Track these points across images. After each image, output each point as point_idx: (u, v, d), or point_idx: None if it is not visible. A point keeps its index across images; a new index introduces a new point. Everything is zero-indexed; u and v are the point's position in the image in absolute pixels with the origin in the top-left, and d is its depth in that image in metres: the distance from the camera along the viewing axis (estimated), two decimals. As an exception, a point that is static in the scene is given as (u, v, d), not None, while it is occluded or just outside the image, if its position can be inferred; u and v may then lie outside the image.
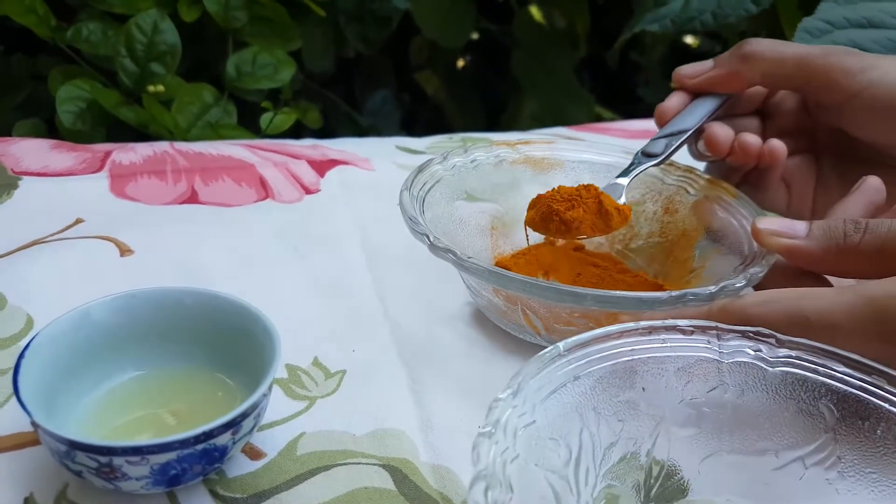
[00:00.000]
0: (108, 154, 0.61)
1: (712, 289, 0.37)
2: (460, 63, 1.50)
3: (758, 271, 0.39)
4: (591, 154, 0.53)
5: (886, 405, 0.31)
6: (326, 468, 0.34)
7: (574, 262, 0.49)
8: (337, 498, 0.33)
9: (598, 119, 1.33)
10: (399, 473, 0.35)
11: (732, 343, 0.33)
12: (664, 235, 0.49)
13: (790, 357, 0.33)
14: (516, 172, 0.51)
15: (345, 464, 0.35)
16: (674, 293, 0.36)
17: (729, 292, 0.37)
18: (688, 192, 0.49)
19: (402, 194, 0.43)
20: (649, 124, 0.79)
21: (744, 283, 0.37)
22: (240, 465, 0.34)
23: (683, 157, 0.53)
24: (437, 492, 0.34)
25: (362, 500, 0.33)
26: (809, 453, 0.32)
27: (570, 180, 0.52)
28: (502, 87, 1.43)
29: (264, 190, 0.58)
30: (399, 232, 0.42)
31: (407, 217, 0.42)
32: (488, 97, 1.45)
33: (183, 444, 0.29)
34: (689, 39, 1.59)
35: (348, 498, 0.33)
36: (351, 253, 0.52)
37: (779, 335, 0.33)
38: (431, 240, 0.40)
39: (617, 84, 1.54)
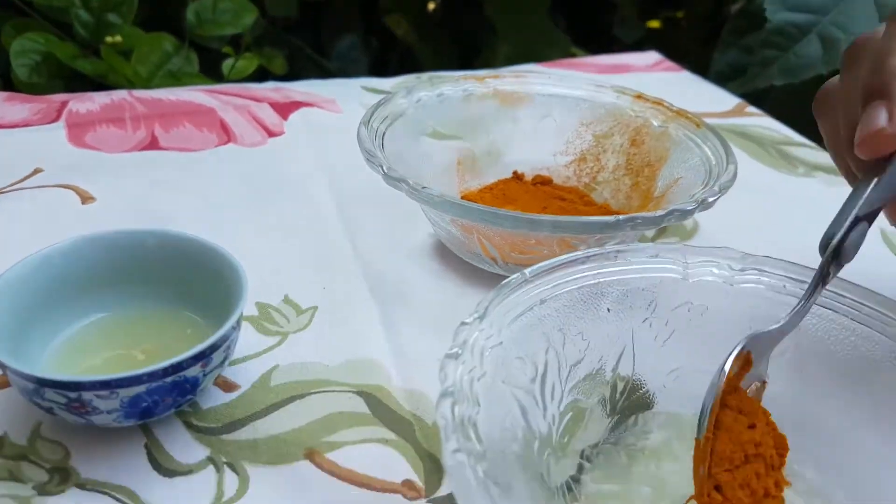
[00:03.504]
0: (64, 104, 0.59)
1: (660, 213, 0.37)
2: (431, 6, 1.47)
3: (709, 196, 0.39)
4: (561, 88, 0.52)
5: (847, 318, 0.32)
6: (301, 396, 0.35)
7: (540, 196, 0.50)
8: (312, 423, 0.34)
9: (573, 61, 1.32)
10: (373, 399, 0.35)
11: (697, 264, 0.34)
12: (630, 167, 0.49)
13: (752, 275, 0.34)
14: (484, 107, 0.51)
15: (319, 392, 0.35)
16: (622, 217, 0.37)
17: (677, 215, 0.37)
18: (654, 123, 0.49)
19: (359, 128, 0.43)
20: (621, 59, 0.79)
21: (694, 206, 0.38)
22: (213, 398, 0.34)
23: (658, 92, 0.53)
24: (410, 413, 0.35)
25: (338, 425, 0.34)
26: (774, 359, 0.33)
27: (538, 114, 0.52)
28: (475, 29, 1.40)
29: (226, 134, 0.57)
30: (366, 172, 0.42)
31: (363, 149, 0.41)
32: (461, 40, 1.42)
33: (152, 376, 0.29)
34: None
35: (323, 422, 0.34)
36: (318, 195, 0.51)
37: (743, 253, 0.34)
38: (385, 170, 0.39)
39: (592, 24, 1.52)
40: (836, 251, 0.30)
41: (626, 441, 0.32)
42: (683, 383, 0.33)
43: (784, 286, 0.33)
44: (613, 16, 1.48)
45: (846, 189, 0.56)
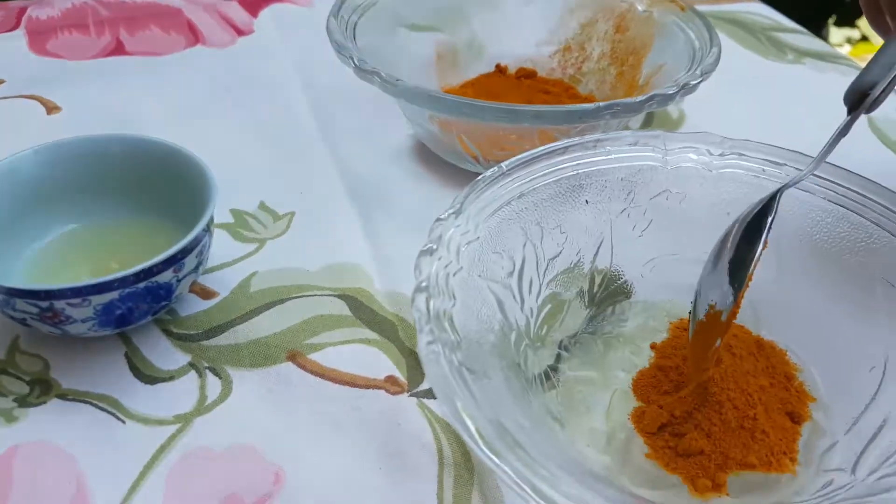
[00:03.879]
0: (22, 10, 0.56)
1: (641, 98, 0.36)
2: None
3: (691, 80, 0.38)
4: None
5: (824, 200, 0.31)
6: (281, 301, 0.35)
7: (524, 90, 0.48)
8: (293, 326, 0.34)
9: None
10: (355, 301, 0.35)
11: (676, 150, 0.33)
12: (615, 55, 0.48)
13: (731, 160, 0.33)
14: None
15: (300, 296, 0.35)
16: (601, 104, 0.36)
17: (659, 100, 0.36)
18: (638, 8, 0.47)
19: (328, 20, 0.41)
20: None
21: (675, 90, 0.37)
22: (192, 305, 0.34)
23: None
24: (392, 314, 0.35)
25: (319, 327, 0.34)
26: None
27: (520, 1, 0.49)
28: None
29: (194, 35, 0.55)
30: (341, 71, 0.40)
31: (333, 41, 0.40)
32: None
33: (123, 282, 0.29)
34: None
35: (305, 325, 0.34)
36: (292, 96, 0.50)
37: (722, 137, 0.33)
38: (356, 62, 0.38)
39: None
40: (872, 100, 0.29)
41: (602, 330, 0.32)
42: (661, 272, 0.33)
43: (763, 170, 0.32)
44: None
45: (836, 76, 0.55)
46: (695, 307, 0.29)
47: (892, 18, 0.32)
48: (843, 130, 0.29)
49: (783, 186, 0.29)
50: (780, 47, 0.59)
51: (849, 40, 1.69)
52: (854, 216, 0.31)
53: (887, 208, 0.30)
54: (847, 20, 1.04)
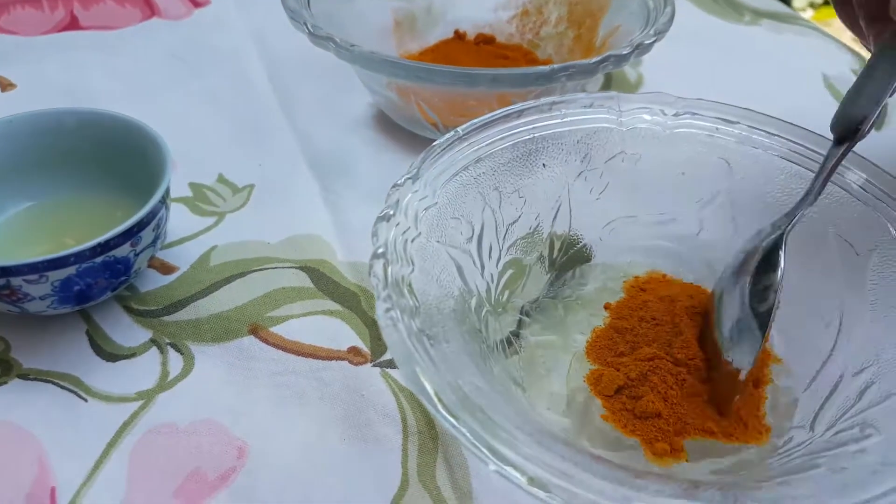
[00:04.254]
0: (-30, -15, 0.55)
1: (596, 59, 0.36)
2: None
3: (645, 39, 0.38)
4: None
5: (778, 157, 0.32)
6: (242, 275, 0.35)
7: (483, 55, 0.48)
8: (255, 299, 0.34)
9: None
10: (316, 273, 0.35)
11: (630, 111, 0.33)
12: (572, 18, 0.48)
13: (686, 119, 0.33)
14: (418, -40, 0.48)
15: (261, 269, 0.35)
16: (556, 66, 0.36)
17: (614, 61, 0.36)
18: (595, -31, 0.47)
19: None
20: None
21: (629, 50, 0.37)
22: (152, 280, 0.34)
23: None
24: (355, 285, 0.35)
25: (281, 300, 0.34)
26: (706, 206, 0.33)
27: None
28: None
29: (149, 8, 0.53)
30: (299, 41, 0.40)
31: (286, 7, 0.39)
32: None
33: (79, 257, 0.28)
34: None
35: (266, 298, 0.34)
36: (249, 67, 0.49)
37: (676, 97, 0.33)
38: (310, 28, 0.37)
39: None
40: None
41: (563, 294, 0.33)
42: (619, 235, 0.33)
43: (717, 128, 0.33)
44: None
45: (793, 36, 0.56)
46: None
47: (867, 22, 0.32)
48: (837, 162, 0.28)
49: (785, 231, 0.28)
50: (737, 8, 0.59)
51: (811, 4, 1.71)
52: (807, 172, 0.31)
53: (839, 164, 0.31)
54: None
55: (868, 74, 0.29)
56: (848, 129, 0.29)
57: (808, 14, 1.73)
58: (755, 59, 0.53)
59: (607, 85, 0.49)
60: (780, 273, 0.28)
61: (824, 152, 0.31)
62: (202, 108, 0.45)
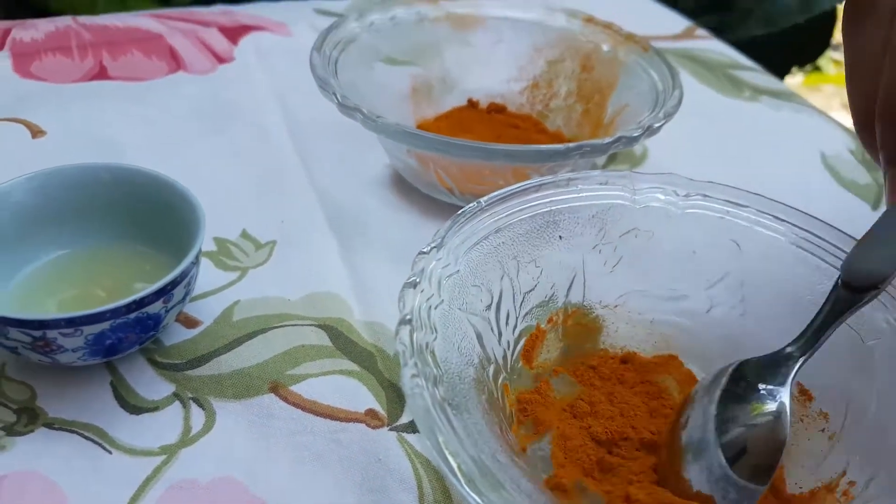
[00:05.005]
0: (6, 32, 0.57)
1: (608, 140, 0.38)
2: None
3: (654, 122, 0.40)
4: (513, 11, 0.52)
5: (784, 239, 0.33)
6: (263, 331, 0.36)
7: (495, 124, 0.50)
8: (276, 356, 0.35)
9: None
10: (334, 331, 0.36)
11: (644, 190, 0.35)
12: (581, 93, 0.50)
13: (697, 200, 0.35)
14: (437, 31, 0.51)
15: (281, 326, 0.36)
16: (571, 145, 0.38)
17: (624, 142, 0.38)
18: (603, 48, 0.49)
19: (312, 55, 0.42)
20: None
21: (639, 133, 0.39)
22: (176, 334, 0.35)
23: (608, 13, 0.53)
24: (371, 345, 0.36)
25: (301, 358, 0.35)
26: (716, 285, 0.35)
27: (491, 39, 0.51)
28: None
29: (175, 62, 0.55)
30: (321, 100, 0.42)
31: (316, 77, 0.41)
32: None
33: (115, 313, 0.29)
34: None
35: (286, 356, 0.35)
36: (271, 123, 0.51)
37: (688, 179, 0.35)
38: (339, 99, 0.39)
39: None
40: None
41: (575, 363, 0.34)
42: (631, 307, 0.35)
43: (728, 211, 0.34)
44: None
45: (790, 113, 0.58)
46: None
47: (887, 162, 0.30)
48: (848, 314, 0.27)
49: (789, 383, 0.28)
50: (737, 84, 0.62)
51: (801, 70, 1.77)
52: (813, 259, 0.33)
53: (843, 251, 0.32)
54: (805, 59, 1.09)
55: (887, 225, 0.28)
56: (864, 285, 0.27)
57: (799, 78, 1.78)
58: (756, 135, 0.56)
59: (614, 157, 0.51)
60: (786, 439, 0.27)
61: (831, 240, 0.32)
62: (225, 163, 0.47)
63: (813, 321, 0.29)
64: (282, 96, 0.53)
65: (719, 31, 0.72)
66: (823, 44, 0.90)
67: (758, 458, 0.27)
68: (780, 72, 0.82)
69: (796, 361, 0.28)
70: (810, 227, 0.33)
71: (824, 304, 0.29)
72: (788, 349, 0.29)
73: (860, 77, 0.30)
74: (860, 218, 0.48)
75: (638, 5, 0.74)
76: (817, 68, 1.81)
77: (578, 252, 0.34)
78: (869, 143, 0.31)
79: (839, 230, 0.33)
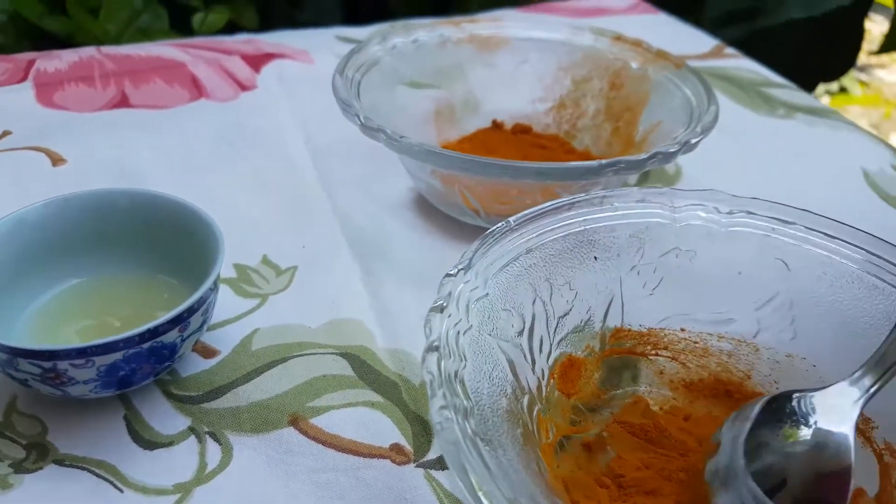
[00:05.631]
0: (31, 63, 0.57)
1: (643, 156, 0.36)
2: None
3: (692, 137, 0.38)
4: (538, 31, 0.51)
5: (837, 257, 0.31)
6: (283, 360, 0.34)
7: (521, 144, 0.48)
8: (296, 387, 0.33)
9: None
10: (357, 360, 0.34)
11: (684, 208, 0.33)
12: (609, 111, 0.48)
13: (741, 217, 0.33)
14: (461, 53, 0.49)
15: (302, 355, 0.35)
16: (604, 161, 0.36)
17: (661, 158, 0.37)
18: (632, 65, 0.48)
19: (334, 77, 0.42)
20: (597, 2, 0.77)
21: (676, 148, 0.37)
22: (193, 364, 0.34)
23: (648, 33, 0.52)
24: (395, 374, 0.34)
25: (322, 389, 0.33)
26: (764, 307, 0.32)
27: (515, 59, 0.50)
28: (450, -25, 1.37)
29: (197, 89, 0.55)
30: (343, 125, 0.41)
31: (338, 99, 0.40)
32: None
33: (128, 342, 0.28)
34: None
35: (307, 386, 0.33)
36: (294, 149, 0.50)
37: (730, 195, 0.33)
38: (362, 120, 0.38)
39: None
40: None
41: (614, 393, 0.32)
42: (674, 332, 0.33)
43: (773, 229, 0.32)
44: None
45: (826, 130, 0.56)
46: None
47: None
48: None
49: (862, 404, 0.26)
50: (770, 102, 0.60)
51: (827, 91, 1.74)
52: (868, 277, 0.30)
53: None
54: (830, 76, 1.07)
55: None
56: None
57: (825, 101, 1.76)
58: (793, 152, 0.54)
59: (646, 176, 0.50)
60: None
61: (887, 257, 0.30)
62: (247, 189, 0.46)
63: (880, 349, 0.26)
64: (304, 122, 0.53)
65: (753, 17, 0.70)
66: (858, 40, 0.85)
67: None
68: (815, 76, 0.78)
69: (860, 399, 0.26)
70: (864, 244, 0.31)
71: (892, 332, 0.26)
72: (852, 384, 0.26)
73: None
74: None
75: (664, 26, 0.73)
76: (843, 89, 1.78)
77: (615, 273, 0.32)
78: None
79: (892, 244, 0.30)
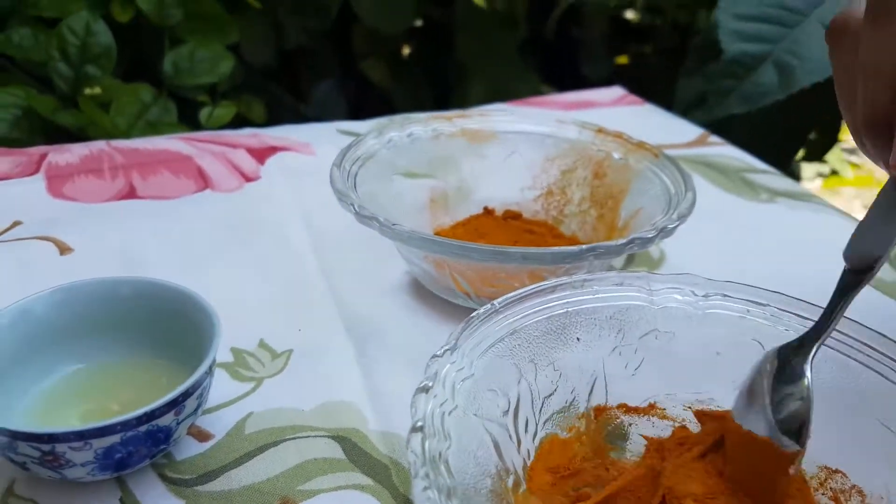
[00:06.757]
0: (43, 156, 0.60)
1: (622, 241, 0.38)
2: (405, 50, 1.50)
3: (668, 223, 0.40)
4: (526, 124, 0.54)
5: (848, 357, 0.32)
6: (275, 443, 0.35)
7: (511, 230, 0.50)
8: (287, 471, 0.33)
9: (543, 98, 1.35)
10: (348, 443, 0.35)
11: (661, 291, 0.34)
12: (594, 198, 0.51)
13: (716, 300, 0.34)
14: (453, 146, 0.52)
15: (294, 438, 0.35)
16: (584, 247, 0.38)
17: (639, 243, 0.38)
18: (614, 156, 0.50)
19: (332, 170, 0.44)
20: (585, 95, 0.81)
21: (654, 234, 0.39)
22: (188, 448, 0.34)
23: (622, 126, 0.55)
24: (387, 457, 0.35)
25: (313, 472, 0.34)
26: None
27: (505, 151, 0.53)
28: (448, 71, 1.43)
29: (203, 180, 0.58)
30: (342, 214, 0.43)
31: (335, 189, 0.42)
32: (435, 82, 1.45)
33: (125, 425, 0.29)
34: (630, 14, 1.62)
35: (298, 470, 0.34)
36: (294, 237, 0.52)
37: (705, 279, 0.34)
38: (357, 209, 0.40)
39: (561, 63, 1.55)
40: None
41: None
42: (656, 412, 0.33)
43: (748, 311, 0.34)
44: (581, 53, 1.51)
45: (808, 214, 0.58)
46: None
47: (873, 149, 0.32)
48: (853, 294, 0.30)
49: (814, 351, 0.30)
50: (752, 187, 0.62)
51: (819, 174, 1.78)
52: (840, 356, 0.32)
53: (872, 348, 0.31)
54: (815, 155, 1.10)
55: (881, 206, 0.30)
56: (860, 266, 0.30)
57: (818, 183, 1.80)
58: (775, 236, 0.55)
59: (631, 260, 0.51)
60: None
61: (856, 336, 0.31)
62: (248, 276, 0.47)
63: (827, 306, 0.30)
64: (305, 211, 0.55)
65: (699, 106, 0.74)
66: (808, 124, 0.89)
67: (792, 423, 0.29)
68: (783, 159, 0.81)
69: (814, 342, 0.30)
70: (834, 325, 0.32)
71: (835, 289, 0.30)
72: (809, 333, 0.30)
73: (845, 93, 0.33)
74: (892, 318, 0.47)
75: (650, 116, 0.76)
76: (835, 172, 1.83)
77: (598, 354, 0.34)
78: (852, 128, 0.33)
79: (864, 326, 0.32)
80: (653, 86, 0.89)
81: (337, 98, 1.32)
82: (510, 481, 0.29)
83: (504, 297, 0.33)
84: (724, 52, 0.73)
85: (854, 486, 0.30)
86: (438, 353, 0.30)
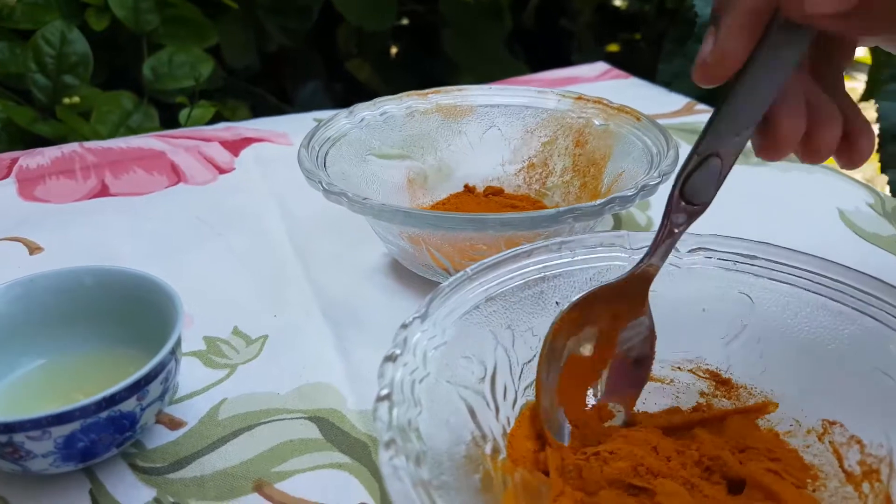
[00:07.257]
0: (14, 161, 0.59)
1: (601, 201, 0.37)
2: (393, 49, 1.49)
3: (650, 181, 0.38)
4: (502, 97, 0.52)
5: (803, 290, 0.31)
6: (249, 428, 0.34)
7: (493, 206, 0.49)
8: (261, 454, 0.32)
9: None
10: (326, 423, 0.34)
11: (641, 249, 0.33)
12: (576, 167, 0.49)
13: (699, 255, 0.33)
14: (429, 123, 0.51)
15: (269, 421, 0.34)
16: (562, 209, 0.36)
17: (619, 202, 0.37)
18: (595, 122, 0.49)
19: (299, 151, 0.43)
20: (570, 72, 0.80)
21: (634, 192, 0.37)
22: (159, 436, 0.33)
23: (621, 97, 0.53)
24: (365, 435, 0.33)
25: (288, 453, 0.32)
26: (732, 342, 0.32)
27: (483, 125, 0.51)
28: (436, 66, 1.42)
29: (176, 175, 0.56)
30: (317, 199, 0.41)
31: (303, 169, 0.41)
32: (424, 80, 1.44)
33: (84, 412, 0.28)
34: (618, 1, 1.61)
35: (273, 452, 0.32)
36: (270, 225, 0.51)
37: (689, 234, 0.33)
38: (325, 185, 0.39)
39: (550, 53, 1.54)
40: (683, 188, 0.30)
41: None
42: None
43: (734, 263, 0.32)
44: (570, 43, 1.50)
45: (801, 175, 0.57)
46: None
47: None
48: (664, 219, 0.30)
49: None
50: (744, 151, 0.61)
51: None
52: (834, 304, 0.30)
53: (867, 293, 0.30)
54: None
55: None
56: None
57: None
58: (768, 198, 0.54)
59: (617, 228, 0.50)
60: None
61: (849, 282, 0.30)
62: (222, 265, 0.46)
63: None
64: (280, 199, 0.54)
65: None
66: None
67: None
68: None
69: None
70: (825, 272, 0.31)
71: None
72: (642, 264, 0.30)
73: None
74: (889, 270, 0.46)
75: (635, 89, 0.75)
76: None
77: (578, 317, 0.32)
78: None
79: (855, 270, 0.30)
80: (644, 73, 0.87)
81: (323, 99, 1.31)
82: (488, 448, 0.28)
83: (478, 263, 0.31)
84: (698, 18, 0.71)
85: (853, 437, 0.29)
86: (407, 321, 0.28)
